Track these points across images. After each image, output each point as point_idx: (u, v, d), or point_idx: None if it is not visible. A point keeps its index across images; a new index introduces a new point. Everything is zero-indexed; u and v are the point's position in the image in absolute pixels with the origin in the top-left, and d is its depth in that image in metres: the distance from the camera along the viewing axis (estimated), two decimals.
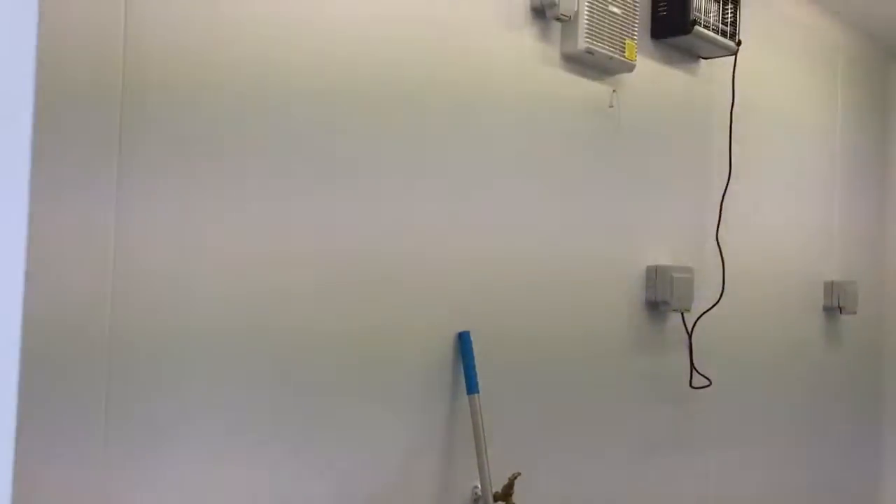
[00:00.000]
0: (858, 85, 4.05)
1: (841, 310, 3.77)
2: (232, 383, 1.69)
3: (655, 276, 2.77)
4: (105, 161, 1.49)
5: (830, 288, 3.77)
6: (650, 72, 2.77)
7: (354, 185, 1.92)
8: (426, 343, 2.09)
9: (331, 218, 1.87)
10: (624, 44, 2.51)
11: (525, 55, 2.33)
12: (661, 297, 2.75)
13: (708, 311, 2.94)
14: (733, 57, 2.97)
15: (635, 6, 2.54)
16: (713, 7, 2.82)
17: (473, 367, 2.16)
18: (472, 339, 2.17)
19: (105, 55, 1.48)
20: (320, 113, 1.84)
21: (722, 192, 3.03)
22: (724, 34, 2.85)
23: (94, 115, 1.47)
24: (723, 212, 3.03)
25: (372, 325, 1.96)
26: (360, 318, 1.94)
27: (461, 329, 2.17)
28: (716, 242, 3.01)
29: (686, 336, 2.91)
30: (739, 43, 2.92)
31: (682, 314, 2.89)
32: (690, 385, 2.93)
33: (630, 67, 2.56)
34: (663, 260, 2.84)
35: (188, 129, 1.61)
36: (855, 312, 3.85)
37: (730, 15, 2.89)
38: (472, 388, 2.15)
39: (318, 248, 1.85)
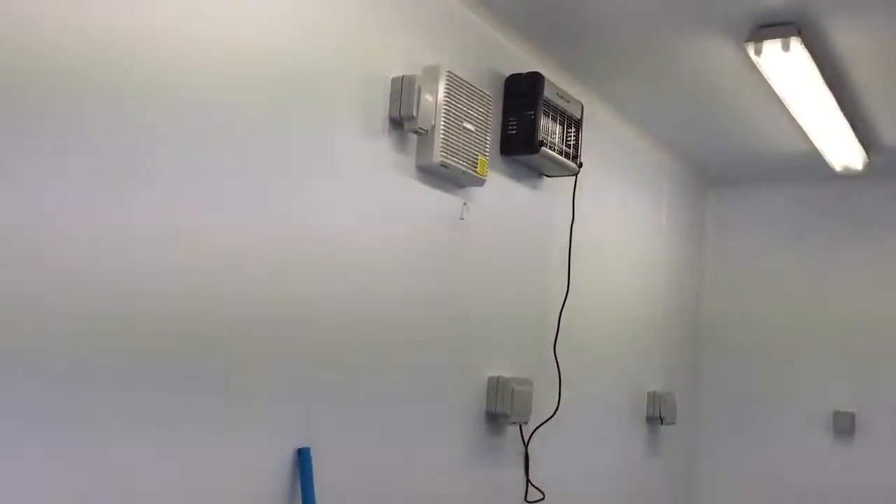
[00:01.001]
0: (680, 204, 4.37)
1: (662, 420, 3.95)
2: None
3: (497, 387, 2.78)
4: None
5: (653, 398, 3.94)
6: (499, 186, 2.85)
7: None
8: (260, 461, 1.96)
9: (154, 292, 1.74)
10: (476, 159, 2.57)
11: (381, 165, 2.33)
12: (501, 409, 2.76)
13: (545, 422, 2.97)
14: (574, 176, 3.12)
15: (488, 124, 2.62)
16: (558, 130, 2.96)
17: (312, 486, 2.04)
18: (311, 455, 2.06)
19: None
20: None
21: (561, 304, 3.12)
22: (567, 156, 2.99)
23: None
24: (561, 325, 3.11)
25: (196, 436, 1.82)
26: (184, 428, 1.79)
27: (301, 445, 2.05)
28: (553, 354, 3.08)
29: (523, 448, 2.93)
30: (581, 165, 3.07)
31: (521, 426, 2.90)
32: (525, 499, 2.93)
33: (481, 182, 2.62)
34: (505, 371, 2.86)
35: None
36: (674, 423, 4.04)
37: (572, 138, 3.04)
38: None
39: (125, 324, 1.70)
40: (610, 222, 3.64)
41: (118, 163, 1.65)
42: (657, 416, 3.93)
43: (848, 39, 2.77)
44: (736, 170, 4.45)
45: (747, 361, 4.55)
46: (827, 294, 4.42)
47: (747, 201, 4.67)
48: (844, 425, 4.29)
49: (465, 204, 2.67)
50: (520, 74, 2.87)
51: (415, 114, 2.32)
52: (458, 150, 2.49)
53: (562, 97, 2.95)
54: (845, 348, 4.34)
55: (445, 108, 2.43)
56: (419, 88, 2.33)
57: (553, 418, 3.01)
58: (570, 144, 3.02)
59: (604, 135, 3.55)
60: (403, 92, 2.33)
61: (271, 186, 1.99)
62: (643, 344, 3.94)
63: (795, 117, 3.36)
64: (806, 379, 4.41)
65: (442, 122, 2.42)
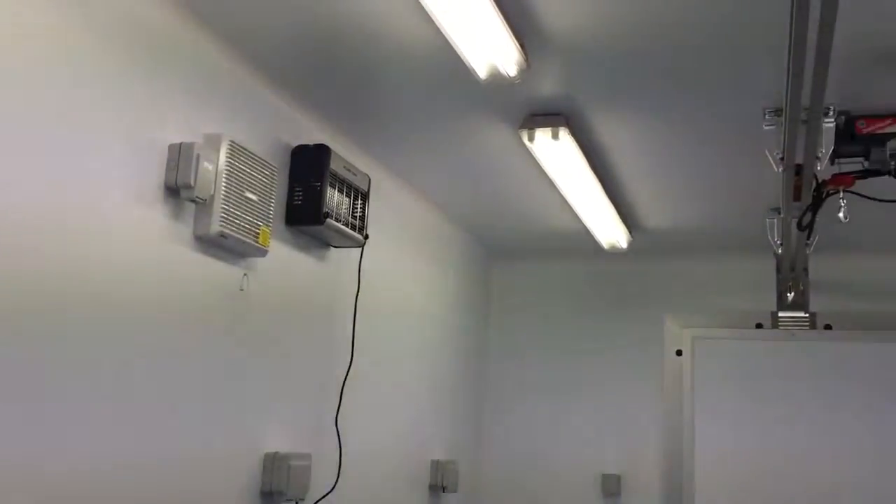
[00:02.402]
0: (467, 276, 4.54)
1: (444, 488, 4.00)
2: None
3: (273, 463, 2.70)
4: None
5: (436, 467, 3.99)
6: (283, 257, 2.82)
7: None
8: None
9: None
10: (258, 229, 2.53)
11: (155, 235, 2.23)
12: (277, 486, 2.68)
13: (323, 497, 2.92)
14: (361, 247, 3.15)
15: (271, 194, 2.59)
16: (345, 201, 2.99)
17: None
18: None
19: None
20: None
21: (344, 374, 3.11)
22: (353, 227, 3.02)
23: None
24: (343, 395, 3.09)
25: None
26: None
27: None
28: (335, 426, 3.04)
29: None
30: (367, 236, 3.11)
31: (297, 503, 2.83)
32: None
33: (263, 252, 2.58)
34: (283, 445, 2.78)
35: None
36: (456, 491, 4.11)
37: (359, 210, 3.08)
38: None
39: None
40: (397, 292, 3.70)
41: None
42: (439, 484, 3.98)
43: (609, 132, 3.04)
44: (517, 244, 4.69)
45: (525, 426, 4.73)
46: (591, 363, 4.72)
47: (528, 274, 4.93)
48: (612, 487, 4.56)
49: (245, 274, 2.61)
50: (307, 146, 2.88)
51: (192, 182, 2.25)
52: (239, 220, 2.44)
53: (349, 170, 2.99)
54: (610, 413, 4.64)
55: (226, 177, 2.38)
56: (198, 156, 2.27)
57: (332, 493, 2.96)
58: (356, 216, 3.06)
59: (393, 206, 3.62)
60: (181, 159, 2.26)
61: (30, 257, 1.85)
62: (428, 412, 4.00)
63: (566, 199, 3.61)
64: (577, 443, 4.66)
65: (222, 192, 2.37)
